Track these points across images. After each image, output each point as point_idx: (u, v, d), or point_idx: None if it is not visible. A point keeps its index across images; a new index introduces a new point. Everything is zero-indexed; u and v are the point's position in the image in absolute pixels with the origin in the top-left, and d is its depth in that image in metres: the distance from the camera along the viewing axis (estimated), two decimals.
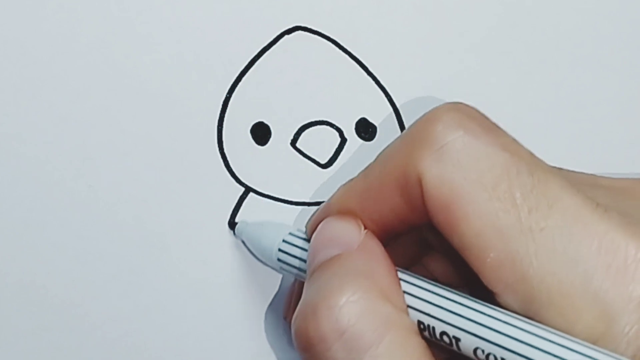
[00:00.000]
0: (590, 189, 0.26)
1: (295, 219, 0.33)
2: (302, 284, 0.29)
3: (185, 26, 0.32)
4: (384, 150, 0.26)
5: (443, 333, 0.24)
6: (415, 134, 0.25)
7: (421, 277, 0.26)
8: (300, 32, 0.32)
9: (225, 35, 0.32)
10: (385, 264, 0.25)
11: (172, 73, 0.32)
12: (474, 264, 0.24)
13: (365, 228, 0.26)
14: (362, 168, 0.32)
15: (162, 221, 0.32)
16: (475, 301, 0.24)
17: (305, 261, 0.28)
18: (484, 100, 0.32)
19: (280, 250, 0.29)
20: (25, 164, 0.32)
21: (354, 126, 0.32)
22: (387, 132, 0.32)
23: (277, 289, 0.33)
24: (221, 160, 0.32)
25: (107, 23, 0.31)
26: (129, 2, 0.31)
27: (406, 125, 0.32)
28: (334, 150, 0.32)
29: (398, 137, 0.26)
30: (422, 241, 0.29)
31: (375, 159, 0.27)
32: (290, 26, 0.32)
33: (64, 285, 0.32)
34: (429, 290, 0.25)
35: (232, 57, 0.32)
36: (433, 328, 0.24)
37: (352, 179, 0.27)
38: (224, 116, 0.32)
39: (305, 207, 0.33)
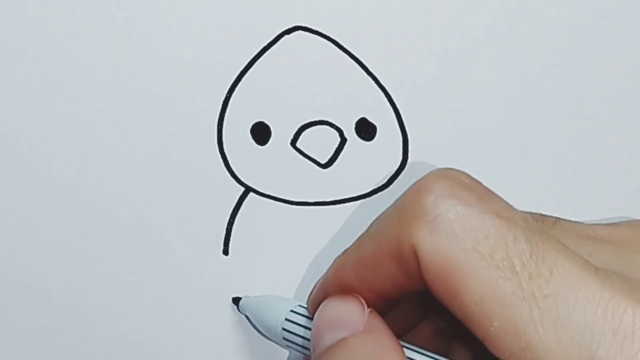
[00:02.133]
0: (589, 242, 0.26)
1: (295, 219, 0.33)
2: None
3: (185, 26, 0.32)
4: (375, 220, 0.26)
5: None
6: (406, 204, 0.25)
7: (427, 353, 0.26)
8: (300, 32, 0.32)
9: (225, 35, 0.32)
10: (392, 344, 0.25)
11: (172, 73, 0.32)
12: (477, 333, 0.23)
13: (367, 305, 0.26)
14: (362, 168, 0.32)
15: (162, 221, 0.32)
16: None
17: (309, 340, 0.28)
18: (484, 100, 0.32)
19: (284, 329, 0.29)
20: (25, 164, 0.32)
21: (354, 126, 0.32)
22: (387, 132, 0.32)
23: None
24: (221, 160, 0.32)
25: (107, 23, 0.31)
26: (129, 2, 0.31)
27: (406, 125, 0.32)
28: (334, 150, 0.32)
29: (389, 208, 0.26)
30: (423, 302, 0.29)
31: (368, 230, 0.26)
32: (290, 26, 0.32)
33: (64, 285, 0.32)
34: None
35: (232, 57, 0.32)
36: None
37: (345, 250, 0.27)
38: (224, 116, 0.32)
39: (305, 207, 0.33)
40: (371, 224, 0.26)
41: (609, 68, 0.32)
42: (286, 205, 0.33)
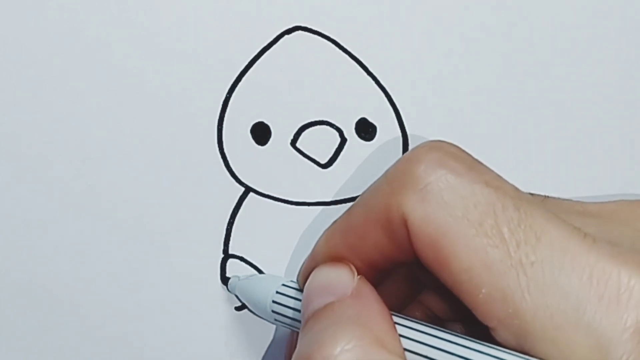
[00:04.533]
0: (578, 217, 0.26)
1: (295, 220, 0.33)
2: (298, 335, 0.29)
3: (186, 26, 0.32)
4: (366, 191, 0.26)
5: None
6: (397, 174, 0.25)
7: (416, 320, 0.26)
8: (300, 32, 0.32)
9: (225, 35, 0.32)
10: (379, 309, 0.25)
11: (172, 73, 0.32)
12: (466, 300, 0.24)
13: (358, 273, 0.26)
14: (362, 168, 0.32)
15: (162, 221, 0.32)
16: (472, 340, 0.24)
17: (299, 311, 0.28)
18: (484, 100, 0.32)
19: (274, 302, 0.29)
20: (25, 164, 0.32)
21: (354, 126, 0.32)
22: (387, 132, 0.32)
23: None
24: (221, 160, 0.32)
25: (107, 23, 0.31)
26: (129, 2, 0.31)
27: (406, 125, 0.32)
28: (334, 150, 0.32)
29: (379, 178, 0.26)
30: (414, 278, 0.29)
31: (358, 200, 0.27)
32: (290, 26, 0.32)
33: (64, 285, 0.32)
34: (425, 332, 0.25)
35: (232, 57, 0.32)
36: None
37: (335, 221, 0.27)
38: (224, 116, 0.32)
39: (305, 207, 0.33)
40: (363, 192, 0.26)
41: (609, 68, 0.32)
42: (286, 205, 0.33)
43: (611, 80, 0.32)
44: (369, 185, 0.33)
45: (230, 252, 0.33)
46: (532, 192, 0.32)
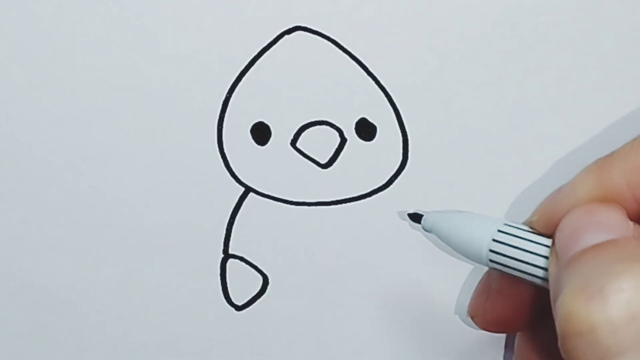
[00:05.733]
0: None
1: (295, 219, 0.33)
2: (497, 279, 0.28)
3: (185, 26, 0.32)
4: None
5: None
6: None
7: None
8: (300, 32, 0.32)
9: (225, 35, 0.32)
10: None
11: (172, 73, 0.32)
12: None
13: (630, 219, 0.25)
14: (362, 168, 0.32)
15: (162, 221, 0.32)
16: None
17: (532, 253, 0.27)
18: (484, 100, 0.32)
19: (495, 240, 0.27)
20: (25, 164, 0.32)
21: (354, 126, 0.32)
22: (387, 132, 0.32)
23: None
24: (221, 160, 0.32)
25: (107, 23, 0.31)
26: (129, 2, 0.31)
27: (406, 125, 0.32)
28: (334, 150, 0.32)
29: None
30: None
31: None
32: (290, 26, 0.32)
33: (64, 285, 0.32)
34: None
35: (232, 57, 0.32)
36: None
37: (608, 157, 0.26)
38: (224, 116, 0.32)
39: (305, 207, 0.33)
40: None
41: (609, 68, 0.32)
42: (286, 205, 0.33)
43: (611, 80, 0.32)
44: (369, 185, 0.33)
45: (230, 252, 0.33)
46: (533, 192, 0.32)
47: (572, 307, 0.22)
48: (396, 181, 0.32)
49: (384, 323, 0.33)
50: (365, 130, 0.32)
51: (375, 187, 0.33)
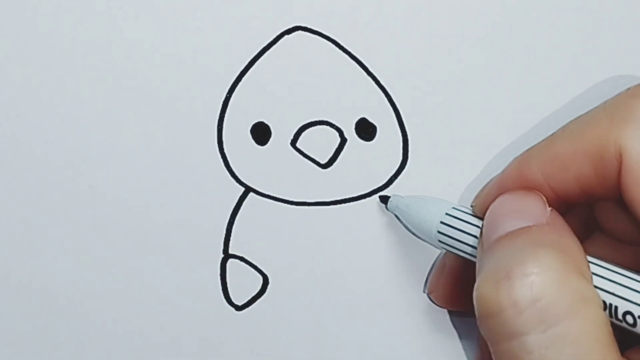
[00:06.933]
0: None
1: (295, 219, 0.33)
2: (451, 258, 0.29)
3: (186, 26, 0.32)
4: (574, 120, 0.26)
5: (627, 313, 0.24)
6: (619, 107, 0.24)
7: (601, 258, 0.25)
8: (300, 32, 0.32)
9: (225, 35, 0.32)
10: (574, 240, 0.25)
11: (172, 73, 0.32)
12: None
13: (548, 204, 0.26)
14: (362, 168, 0.32)
15: (162, 221, 0.32)
16: None
17: (471, 236, 0.28)
18: (484, 100, 0.32)
19: (442, 222, 0.29)
20: (25, 164, 0.32)
21: (354, 126, 0.32)
22: (387, 132, 0.32)
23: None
24: (221, 160, 0.32)
25: (107, 23, 0.31)
26: (129, 2, 0.31)
27: (406, 125, 0.32)
28: (334, 150, 0.32)
29: (595, 109, 0.25)
30: (588, 221, 0.28)
31: (563, 128, 0.26)
32: (290, 26, 0.32)
33: (64, 285, 0.32)
34: (612, 270, 0.24)
35: (232, 57, 0.32)
36: (616, 308, 0.24)
37: (528, 150, 0.27)
38: (224, 116, 0.32)
39: (305, 207, 0.33)
40: (570, 122, 0.26)
41: (609, 68, 0.32)
42: (286, 205, 0.33)
43: (612, 80, 0.32)
44: (369, 185, 0.33)
45: (230, 252, 0.33)
46: None
47: (484, 291, 0.24)
48: (396, 181, 0.32)
49: (384, 323, 0.33)
50: (365, 130, 0.32)
51: (375, 187, 0.33)
